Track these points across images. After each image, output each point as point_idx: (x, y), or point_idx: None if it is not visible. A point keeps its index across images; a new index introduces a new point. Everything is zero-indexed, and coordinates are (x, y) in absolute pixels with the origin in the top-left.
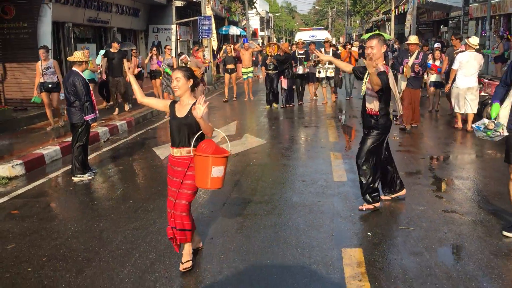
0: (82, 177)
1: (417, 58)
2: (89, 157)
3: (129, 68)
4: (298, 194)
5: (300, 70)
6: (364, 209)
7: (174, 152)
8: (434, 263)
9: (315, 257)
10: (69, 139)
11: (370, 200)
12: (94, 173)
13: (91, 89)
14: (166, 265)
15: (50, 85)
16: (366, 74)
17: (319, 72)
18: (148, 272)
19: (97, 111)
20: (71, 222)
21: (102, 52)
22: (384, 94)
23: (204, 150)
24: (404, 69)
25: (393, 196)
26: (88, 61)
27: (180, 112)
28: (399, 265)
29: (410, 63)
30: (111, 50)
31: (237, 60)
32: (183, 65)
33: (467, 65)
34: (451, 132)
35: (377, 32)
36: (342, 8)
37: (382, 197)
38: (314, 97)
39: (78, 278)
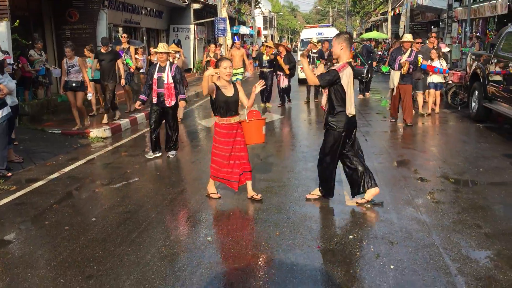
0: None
1: (409, 56)
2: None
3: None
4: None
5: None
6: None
7: (232, 120)
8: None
9: None
10: (134, 115)
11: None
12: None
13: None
14: None
15: (74, 84)
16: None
17: None
18: None
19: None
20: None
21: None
22: (333, 92)
23: (258, 115)
24: (403, 67)
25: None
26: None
27: (229, 92)
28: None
29: (402, 60)
30: (101, 50)
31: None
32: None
33: None
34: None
35: (344, 31)
36: (343, 8)
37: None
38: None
39: (190, 174)
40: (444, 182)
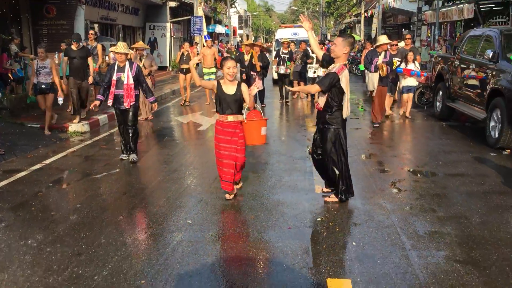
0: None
1: (385, 57)
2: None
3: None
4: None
5: (282, 70)
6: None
7: (229, 118)
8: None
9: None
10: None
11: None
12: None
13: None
14: None
15: (43, 86)
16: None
17: (314, 72)
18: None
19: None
20: (141, 147)
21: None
22: (331, 93)
23: (258, 116)
24: (383, 68)
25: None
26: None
27: (229, 90)
28: None
29: (379, 62)
30: (72, 47)
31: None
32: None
33: None
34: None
35: (348, 33)
36: (317, 9)
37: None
38: (302, 97)
39: (169, 165)
40: (406, 173)
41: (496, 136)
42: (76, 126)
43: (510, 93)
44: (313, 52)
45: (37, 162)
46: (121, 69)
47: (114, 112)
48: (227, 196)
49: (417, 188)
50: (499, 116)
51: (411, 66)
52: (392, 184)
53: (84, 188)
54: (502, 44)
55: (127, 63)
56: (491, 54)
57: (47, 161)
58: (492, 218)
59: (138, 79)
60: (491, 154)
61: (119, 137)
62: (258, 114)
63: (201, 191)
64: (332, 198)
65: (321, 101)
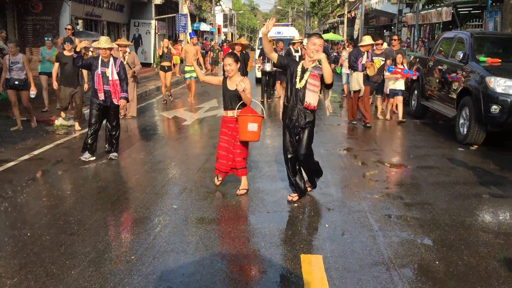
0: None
1: (367, 57)
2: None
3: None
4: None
5: (268, 67)
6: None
7: (229, 113)
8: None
9: None
10: None
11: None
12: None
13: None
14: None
15: (16, 82)
16: (309, 68)
17: None
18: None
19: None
20: (127, 140)
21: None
22: (320, 89)
23: (243, 112)
24: (371, 67)
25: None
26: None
27: (231, 86)
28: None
29: (364, 62)
30: (64, 52)
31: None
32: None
33: None
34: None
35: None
36: (302, 9)
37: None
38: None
39: (154, 157)
40: (378, 166)
41: (465, 132)
42: (62, 120)
43: (478, 92)
44: (295, 52)
45: (25, 153)
46: (105, 64)
47: (90, 106)
48: (215, 180)
49: (388, 179)
50: (468, 114)
51: (401, 67)
52: (364, 175)
53: (73, 177)
54: (472, 46)
55: (111, 58)
56: (461, 56)
57: (35, 152)
58: (454, 205)
59: (119, 75)
60: (459, 149)
61: (90, 134)
62: (249, 110)
63: (186, 180)
64: (308, 187)
65: (314, 99)
